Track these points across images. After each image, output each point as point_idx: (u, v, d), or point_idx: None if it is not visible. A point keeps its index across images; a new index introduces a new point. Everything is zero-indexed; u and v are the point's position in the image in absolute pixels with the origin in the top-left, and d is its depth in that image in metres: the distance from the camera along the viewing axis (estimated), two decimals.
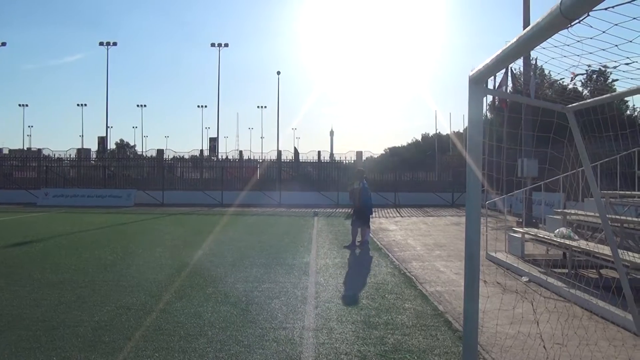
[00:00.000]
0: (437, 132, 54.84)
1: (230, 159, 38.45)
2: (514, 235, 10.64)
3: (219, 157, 46.10)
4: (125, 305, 6.79)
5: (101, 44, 58.83)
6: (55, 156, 36.34)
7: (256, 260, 10.29)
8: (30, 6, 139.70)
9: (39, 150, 40.27)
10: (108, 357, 4.91)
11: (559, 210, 11.16)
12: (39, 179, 33.90)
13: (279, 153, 35.64)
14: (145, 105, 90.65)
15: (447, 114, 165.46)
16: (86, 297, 7.24)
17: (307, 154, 36.64)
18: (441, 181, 34.18)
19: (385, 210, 25.84)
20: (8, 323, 5.96)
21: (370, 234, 13.94)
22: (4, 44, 57.22)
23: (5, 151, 47.85)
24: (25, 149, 64.23)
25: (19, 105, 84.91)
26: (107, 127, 61.55)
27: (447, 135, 50.27)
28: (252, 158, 37.88)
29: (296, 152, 38.55)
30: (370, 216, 13.50)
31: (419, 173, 35.62)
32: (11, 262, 10.17)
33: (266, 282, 8.33)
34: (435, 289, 8.03)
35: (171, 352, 5.02)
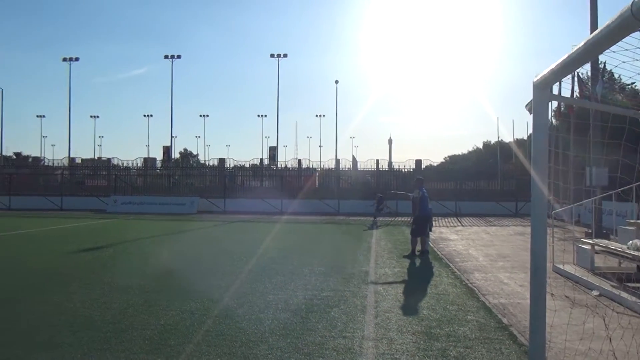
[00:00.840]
0: (500, 139, 53.42)
1: (289, 168, 39.02)
2: (583, 246, 10.18)
3: (278, 165, 46.82)
4: (189, 309, 6.99)
5: (166, 57, 61.01)
6: (124, 165, 38.18)
7: (315, 269, 10.35)
8: (100, 24, 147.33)
9: (109, 159, 42.50)
10: None
11: (632, 221, 10.61)
12: (108, 187, 35.69)
13: (337, 162, 35.84)
14: (207, 116, 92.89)
15: (509, 120, 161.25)
16: (153, 301, 7.50)
17: (366, 162, 36.57)
18: (504, 190, 33.20)
19: (446, 220, 25.39)
20: (81, 324, 6.27)
21: (430, 244, 13.71)
22: (77, 59, 60.68)
23: (78, 160, 50.54)
24: (96, 158, 67.58)
25: (91, 116, 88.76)
26: (171, 136, 64.09)
27: (510, 142, 48.92)
28: (310, 167, 38.19)
29: (354, 161, 38.57)
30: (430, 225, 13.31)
31: (481, 181, 34.80)
32: (84, 266, 10.71)
33: (325, 290, 8.36)
34: (499, 301, 7.79)
35: (233, 358, 5.12)
